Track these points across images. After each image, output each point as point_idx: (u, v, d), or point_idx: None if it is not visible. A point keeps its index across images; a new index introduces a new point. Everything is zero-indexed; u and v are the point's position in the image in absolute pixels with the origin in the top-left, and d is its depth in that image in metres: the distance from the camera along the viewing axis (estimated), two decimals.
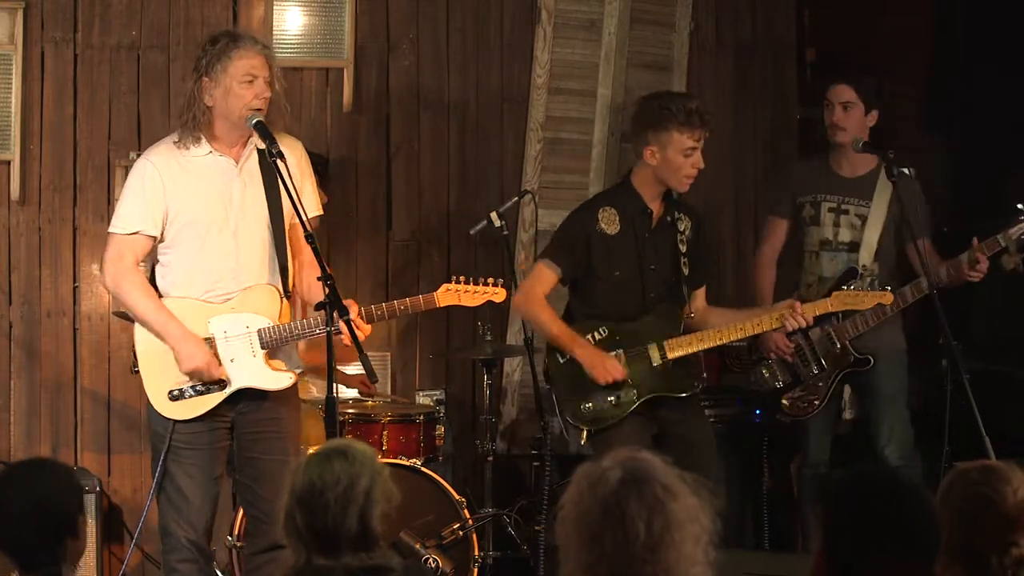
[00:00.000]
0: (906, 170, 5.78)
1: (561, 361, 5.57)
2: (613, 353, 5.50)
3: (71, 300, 6.45)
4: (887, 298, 5.57)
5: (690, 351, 5.54)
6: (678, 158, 5.48)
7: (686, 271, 5.61)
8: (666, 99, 5.61)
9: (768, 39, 7.29)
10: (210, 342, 4.88)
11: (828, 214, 5.97)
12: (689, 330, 5.58)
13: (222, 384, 4.89)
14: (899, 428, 5.86)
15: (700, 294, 5.73)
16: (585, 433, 5.52)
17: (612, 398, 5.50)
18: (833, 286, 5.76)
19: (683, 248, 5.62)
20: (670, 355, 5.52)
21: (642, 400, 5.50)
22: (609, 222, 5.57)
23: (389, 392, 6.68)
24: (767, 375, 6.01)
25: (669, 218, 5.63)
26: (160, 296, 4.93)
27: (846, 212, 5.94)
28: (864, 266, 5.88)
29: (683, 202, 5.70)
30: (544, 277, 5.58)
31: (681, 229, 5.63)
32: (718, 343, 5.57)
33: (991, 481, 3.02)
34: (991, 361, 6.58)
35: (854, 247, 5.88)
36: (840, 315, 5.81)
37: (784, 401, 5.97)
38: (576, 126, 6.95)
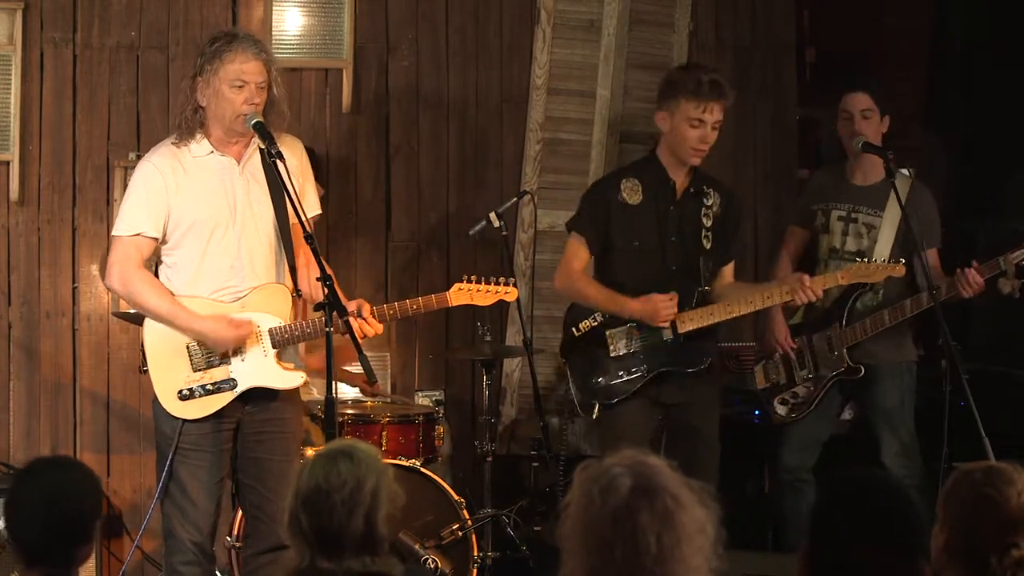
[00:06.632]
0: (905, 170, 5.79)
1: (576, 335, 5.60)
2: (628, 326, 5.52)
3: (70, 301, 6.45)
4: (899, 270, 5.56)
5: (701, 325, 5.52)
6: (684, 127, 5.47)
7: (708, 245, 5.60)
8: (684, 69, 5.66)
9: (768, 39, 7.29)
10: None
11: (837, 222, 5.94)
12: (704, 304, 5.57)
13: (232, 383, 4.89)
14: (901, 439, 5.83)
15: (727, 270, 5.72)
16: (597, 407, 5.54)
17: (623, 372, 5.52)
18: (840, 296, 5.77)
19: (707, 222, 5.59)
20: (681, 329, 5.51)
21: (652, 374, 5.51)
22: (631, 192, 5.57)
23: (389, 391, 6.68)
24: (764, 373, 6.01)
25: (694, 190, 5.61)
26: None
27: (855, 221, 5.90)
28: None
29: (713, 177, 5.69)
30: (577, 251, 5.61)
31: (708, 203, 5.61)
32: (729, 316, 5.55)
33: (995, 482, 3.02)
34: (990, 361, 6.58)
35: (860, 256, 5.82)
36: (844, 320, 5.80)
37: (776, 402, 5.97)
38: (575, 127, 6.95)
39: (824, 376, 5.87)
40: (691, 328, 5.51)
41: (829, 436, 5.99)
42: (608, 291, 5.54)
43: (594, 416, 5.58)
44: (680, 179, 5.58)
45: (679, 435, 5.57)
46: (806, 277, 5.49)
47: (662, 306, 5.45)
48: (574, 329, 5.63)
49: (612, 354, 5.56)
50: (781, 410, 5.95)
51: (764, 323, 6.00)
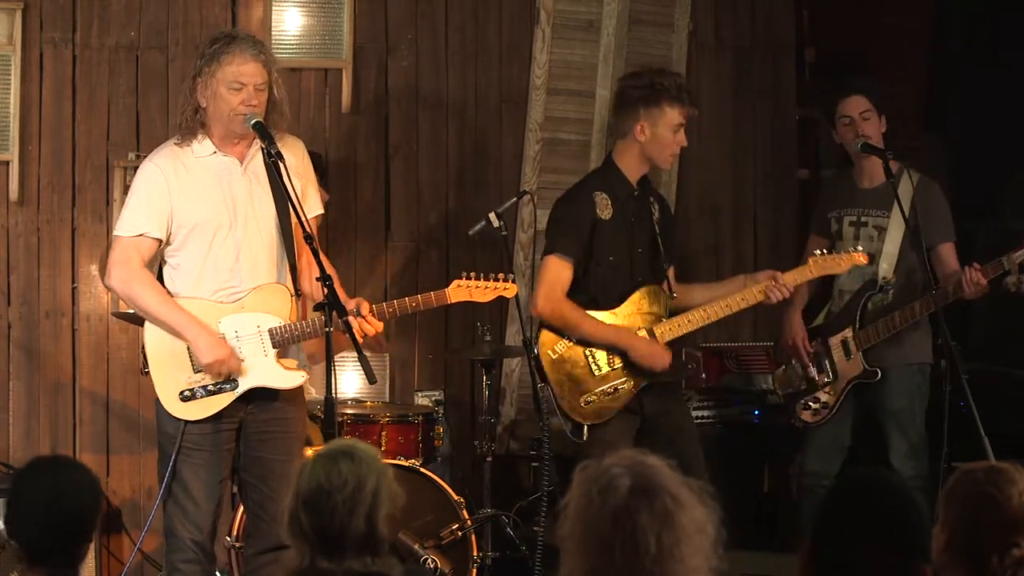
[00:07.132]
0: (908, 170, 5.78)
1: (553, 357, 5.55)
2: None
3: (70, 301, 6.45)
4: (861, 258, 5.58)
5: (680, 333, 5.51)
6: (667, 134, 5.47)
7: (662, 250, 5.60)
8: (656, 75, 5.59)
9: (767, 39, 7.29)
10: None
11: (849, 228, 5.92)
12: (673, 311, 5.56)
13: (234, 384, 4.88)
14: (911, 441, 5.81)
15: (671, 272, 5.71)
16: (586, 428, 5.51)
17: (610, 389, 5.49)
18: (852, 299, 5.77)
19: (657, 228, 5.61)
20: (661, 340, 5.50)
21: (639, 388, 5.49)
22: (603, 207, 5.54)
23: (387, 391, 6.69)
24: (784, 378, 5.98)
25: (652, 198, 5.64)
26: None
27: (864, 224, 5.88)
28: (884, 278, 5.80)
29: (648, 182, 5.72)
30: (560, 273, 5.50)
31: (653, 209, 5.63)
32: (707, 322, 5.53)
33: (996, 482, 3.02)
34: (990, 361, 6.58)
35: (872, 259, 5.82)
36: (859, 323, 5.79)
37: (799, 407, 5.94)
38: (575, 127, 6.95)
39: (843, 380, 5.85)
40: (671, 338, 5.49)
41: (851, 441, 5.95)
42: (601, 323, 5.48)
43: (584, 437, 5.53)
44: (637, 188, 5.59)
45: (663, 442, 5.44)
46: (778, 275, 5.49)
47: (666, 356, 5.44)
48: (551, 352, 5.54)
49: (595, 373, 5.52)
50: (806, 415, 5.92)
51: (781, 325, 5.97)
